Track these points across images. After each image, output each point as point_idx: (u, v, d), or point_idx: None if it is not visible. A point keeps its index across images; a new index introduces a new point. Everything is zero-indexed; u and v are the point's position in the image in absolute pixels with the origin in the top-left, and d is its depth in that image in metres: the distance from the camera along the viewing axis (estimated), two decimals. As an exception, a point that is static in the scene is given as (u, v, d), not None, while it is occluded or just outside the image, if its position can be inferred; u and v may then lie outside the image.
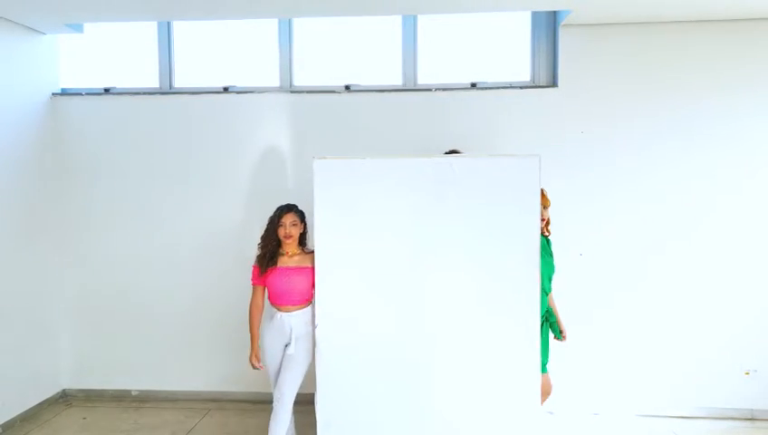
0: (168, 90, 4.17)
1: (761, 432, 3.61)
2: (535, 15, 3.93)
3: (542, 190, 2.83)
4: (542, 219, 2.90)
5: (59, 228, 4.14)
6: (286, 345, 2.93)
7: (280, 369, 2.96)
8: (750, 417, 3.77)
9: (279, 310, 2.94)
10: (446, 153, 3.25)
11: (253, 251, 4.00)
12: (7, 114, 3.73)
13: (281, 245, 2.97)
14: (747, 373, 3.77)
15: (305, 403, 3.82)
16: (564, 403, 3.77)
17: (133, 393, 4.17)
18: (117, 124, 4.10)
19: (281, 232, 2.93)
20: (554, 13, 3.84)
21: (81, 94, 4.16)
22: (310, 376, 2.96)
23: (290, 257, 2.96)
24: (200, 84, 4.16)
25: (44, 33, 4.02)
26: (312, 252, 2.89)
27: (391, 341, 2.79)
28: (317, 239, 2.82)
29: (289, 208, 2.98)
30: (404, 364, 2.79)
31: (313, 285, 2.88)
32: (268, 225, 2.99)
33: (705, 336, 3.79)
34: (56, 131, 4.11)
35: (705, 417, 3.78)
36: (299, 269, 2.92)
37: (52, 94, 4.13)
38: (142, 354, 4.15)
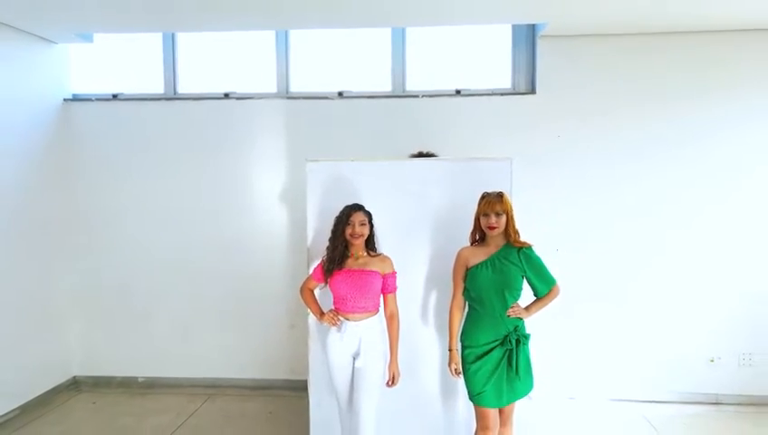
0: (172, 95, 4.38)
1: (725, 416, 3.85)
2: (515, 27, 4.16)
3: (496, 195, 2.65)
4: (492, 226, 2.60)
5: (69, 225, 4.35)
6: (354, 358, 2.69)
7: (350, 387, 2.70)
8: (715, 401, 4.02)
9: (346, 318, 2.69)
10: (414, 155, 3.37)
11: (250, 247, 4.29)
12: (22, 118, 3.97)
13: (348, 247, 2.73)
14: (712, 361, 4.01)
15: (300, 389, 4.11)
16: (542, 389, 3.98)
17: (139, 380, 4.40)
18: (124, 128, 4.33)
19: (348, 231, 2.68)
20: (533, 25, 4.08)
21: (90, 100, 4.37)
22: (303, 360, 3.12)
23: (355, 260, 2.72)
24: (202, 90, 4.38)
25: (56, 43, 4.26)
26: (380, 255, 2.78)
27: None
28: (309, 237, 2.99)
29: (357, 208, 2.72)
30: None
31: (381, 291, 2.73)
32: (335, 226, 2.72)
33: (673, 327, 4.03)
34: (67, 134, 4.33)
35: (673, 401, 4.02)
36: (364, 272, 2.68)
37: (64, 100, 4.35)
38: (147, 344, 4.39)
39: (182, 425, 3.71)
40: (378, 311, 2.74)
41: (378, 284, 2.69)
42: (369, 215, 2.75)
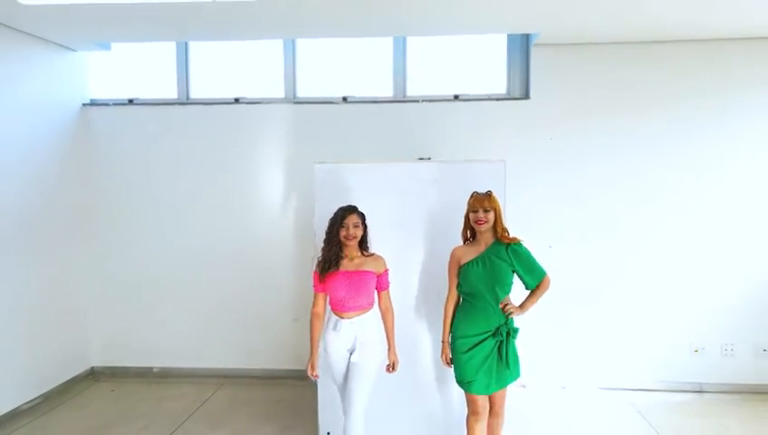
0: (185, 100, 4.59)
1: (708, 403, 4.06)
2: (510, 36, 4.36)
3: (484, 194, 2.80)
4: (480, 221, 2.75)
5: (88, 222, 4.56)
6: (350, 352, 2.79)
7: (346, 377, 2.81)
8: (699, 390, 4.22)
9: (341, 317, 2.77)
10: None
11: (258, 244, 4.49)
12: (44, 122, 4.18)
13: (342, 248, 2.79)
14: (696, 351, 4.22)
15: (305, 377, 4.32)
16: (535, 378, 4.22)
17: (154, 370, 4.62)
18: (140, 131, 4.53)
19: (342, 233, 2.74)
20: (527, 34, 4.28)
21: (108, 104, 4.58)
22: (308, 350, 3.27)
23: (350, 261, 2.78)
24: (214, 96, 4.57)
25: (76, 51, 4.46)
26: (373, 255, 2.85)
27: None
28: (316, 235, 3.16)
29: (351, 209, 2.79)
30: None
31: (375, 289, 2.83)
32: (329, 227, 2.79)
33: (659, 319, 4.23)
34: (86, 137, 4.54)
35: (659, 390, 4.22)
36: (360, 273, 2.76)
37: (83, 105, 4.55)
38: (162, 336, 4.60)
39: (197, 410, 3.93)
40: (372, 307, 2.83)
41: (373, 283, 2.79)
42: (362, 216, 2.81)
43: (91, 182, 4.56)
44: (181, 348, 4.60)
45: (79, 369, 4.52)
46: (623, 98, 4.18)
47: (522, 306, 2.79)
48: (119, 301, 4.62)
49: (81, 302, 4.54)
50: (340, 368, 2.82)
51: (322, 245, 2.80)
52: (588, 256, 4.25)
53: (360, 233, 2.78)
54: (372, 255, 2.87)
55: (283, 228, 4.50)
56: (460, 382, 2.81)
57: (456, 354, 2.79)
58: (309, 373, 2.86)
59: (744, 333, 4.18)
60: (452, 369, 2.88)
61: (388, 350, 2.91)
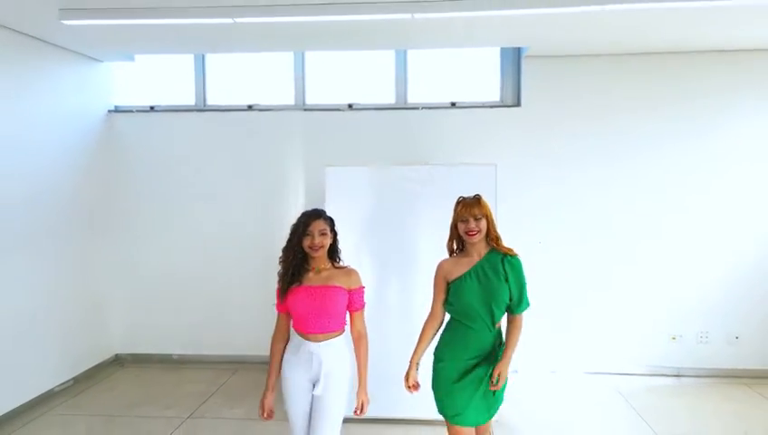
0: (202, 107, 4.90)
1: (685, 386, 4.39)
2: (503, 49, 4.68)
3: (473, 199, 2.44)
4: (472, 232, 2.36)
5: (112, 220, 4.87)
6: (314, 385, 2.33)
7: (308, 417, 2.34)
8: (677, 374, 4.54)
9: (306, 339, 2.32)
10: None
11: (268, 242, 4.74)
12: (71, 127, 4.50)
13: (307, 259, 2.38)
14: (674, 338, 4.54)
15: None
16: (527, 363, 4.47)
17: (174, 357, 4.94)
18: (160, 135, 4.86)
19: (307, 243, 2.32)
20: (518, 47, 4.59)
21: (131, 111, 4.90)
22: None
23: (317, 274, 2.36)
24: (229, 103, 4.88)
25: (102, 61, 4.79)
26: (345, 268, 2.44)
27: (382, 317, 3.38)
28: None
29: (317, 215, 2.38)
30: (389, 333, 3.31)
31: (347, 309, 2.40)
32: (291, 235, 2.37)
33: (640, 309, 4.54)
34: (111, 141, 4.86)
35: (640, 374, 4.53)
36: (327, 288, 2.32)
37: (108, 111, 4.88)
38: (181, 326, 4.92)
39: (216, 392, 4.28)
40: (343, 330, 2.41)
41: (342, 301, 2.36)
42: (330, 222, 2.43)
43: (115, 183, 4.87)
44: (198, 336, 4.91)
45: (105, 356, 4.86)
46: (609, 105, 4.48)
47: (506, 360, 2.39)
48: (140, 293, 4.94)
49: (105, 294, 4.85)
50: (298, 401, 2.35)
51: (281, 255, 2.40)
52: (576, 254, 4.54)
53: (327, 242, 2.37)
54: (345, 268, 2.46)
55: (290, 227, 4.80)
56: (448, 416, 2.40)
57: (444, 383, 2.39)
58: (259, 413, 2.40)
59: (718, 322, 4.49)
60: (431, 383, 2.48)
61: (359, 388, 2.40)
